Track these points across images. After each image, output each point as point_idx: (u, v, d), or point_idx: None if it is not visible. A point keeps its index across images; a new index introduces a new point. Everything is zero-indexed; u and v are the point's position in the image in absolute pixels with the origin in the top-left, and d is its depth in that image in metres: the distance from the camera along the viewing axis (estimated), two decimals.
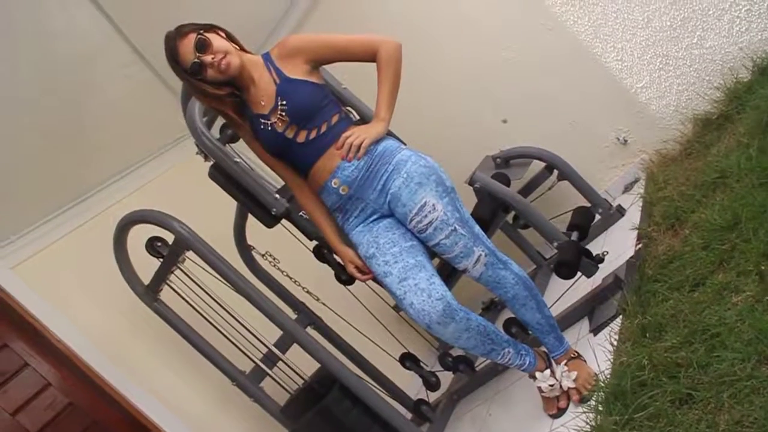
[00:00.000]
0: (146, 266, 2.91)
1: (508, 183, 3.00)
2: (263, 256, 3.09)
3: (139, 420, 3.06)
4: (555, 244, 2.70)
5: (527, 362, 2.26)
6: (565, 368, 2.23)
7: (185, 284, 2.88)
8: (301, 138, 2.18)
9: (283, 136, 2.18)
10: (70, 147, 3.17)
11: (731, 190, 2.43)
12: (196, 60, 2.09)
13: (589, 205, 3.20)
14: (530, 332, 2.36)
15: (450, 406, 3.07)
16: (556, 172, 3.24)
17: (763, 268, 1.91)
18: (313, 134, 2.18)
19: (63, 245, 3.25)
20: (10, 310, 3.00)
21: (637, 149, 3.42)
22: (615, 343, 2.22)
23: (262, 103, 2.18)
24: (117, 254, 2.90)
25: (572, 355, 2.27)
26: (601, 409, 1.95)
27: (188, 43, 2.09)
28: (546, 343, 2.29)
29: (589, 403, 2.08)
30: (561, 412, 2.22)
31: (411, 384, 3.43)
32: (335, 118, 2.21)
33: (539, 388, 2.25)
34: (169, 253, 2.79)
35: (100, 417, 3.02)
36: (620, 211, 3.17)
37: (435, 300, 2.04)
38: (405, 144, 2.32)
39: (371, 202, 2.20)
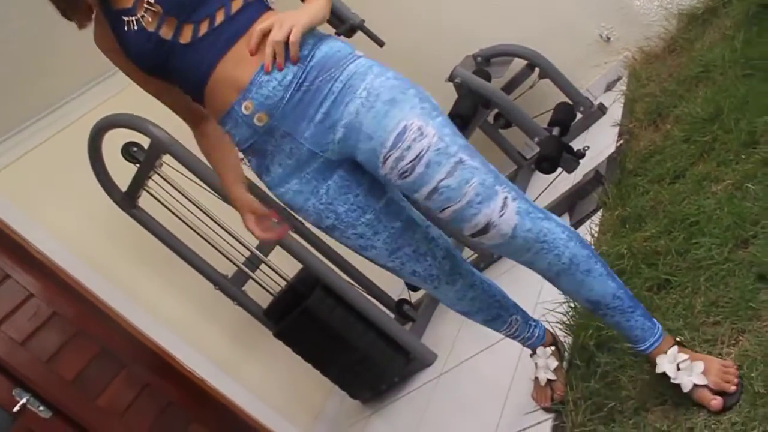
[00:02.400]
0: (125, 174, 2.86)
1: (488, 80, 2.95)
2: (242, 160, 3.04)
3: (124, 327, 3.08)
4: (536, 139, 2.67)
5: (536, 334, 1.81)
6: (684, 356, 1.40)
7: (164, 189, 2.85)
8: (186, 37, 1.41)
9: (157, 38, 1.41)
10: (40, 54, 3.05)
11: (714, 83, 2.41)
12: None
13: (570, 102, 3.17)
14: (603, 318, 1.52)
15: (431, 305, 3.12)
16: (537, 70, 3.19)
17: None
18: (203, 29, 1.40)
19: (37, 155, 3.18)
20: None
21: (619, 47, 3.35)
22: (595, 234, 2.24)
23: None
24: (92, 161, 2.85)
25: (677, 339, 1.49)
26: None
27: None
28: (634, 327, 1.46)
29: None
30: (555, 404, 1.75)
31: (393, 285, 3.46)
32: (237, 1, 1.42)
33: (535, 365, 1.80)
34: (146, 158, 2.75)
35: (84, 326, 3.03)
36: (602, 109, 3.15)
37: (441, 259, 1.61)
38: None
39: (306, 141, 1.41)
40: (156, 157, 2.71)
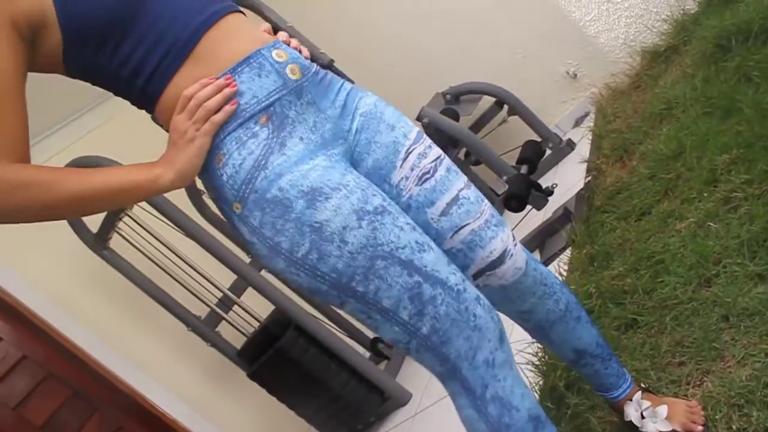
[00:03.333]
0: (96, 215, 2.85)
1: (457, 119, 2.99)
2: None
3: (96, 369, 3.03)
4: (504, 177, 2.71)
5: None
6: (647, 403, 1.41)
7: (135, 231, 2.83)
8: None
9: None
10: None
11: (677, 120, 2.47)
12: None
13: (539, 139, 3.22)
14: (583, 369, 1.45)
15: None
16: (506, 107, 3.24)
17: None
18: None
19: None
20: None
21: (586, 83, 3.42)
22: (564, 273, 2.26)
23: None
24: None
25: (641, 385, 1.50)
26: None
27: None
28: (610, 375, 1.43)
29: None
30: None
31: None
32: None
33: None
34: None
35: (55, 369, 2.98)
36: (570, 146, 3.20)
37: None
38: None
39: (329, 120, 1.18)
40: None
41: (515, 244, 1.27)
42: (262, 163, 1.09)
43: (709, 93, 2.34)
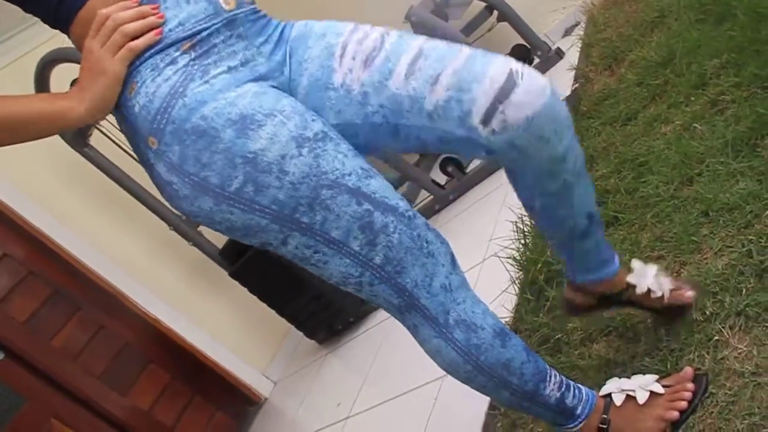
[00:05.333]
0: None
1: (446, 21, 2.93)
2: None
3: (77, 268, 3.04)
4: None
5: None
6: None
7: (116, 127, 2.78)
8: None
9: None
10: None
11: (669, 27, 2.46)
12: None
13: (527, 45, 3.17)
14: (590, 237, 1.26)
15: None
16: (496, 13, 3.17)
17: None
18: None
19: None
20: None
21: None
22: None
23: None
24: None
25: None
26: (528, 232, 2.01)
27: None
28: (609, 245, 1.32)
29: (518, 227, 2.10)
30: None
31: None
32: None
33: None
34: None
35: (36, 267, 2.99)
36: (559, 54, 3.16)
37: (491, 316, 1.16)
38: None
39: (263, 56, 1.08)
40: None
41: (523, 66, 1.02)
42: (180, 90, 0.98)
43: None
